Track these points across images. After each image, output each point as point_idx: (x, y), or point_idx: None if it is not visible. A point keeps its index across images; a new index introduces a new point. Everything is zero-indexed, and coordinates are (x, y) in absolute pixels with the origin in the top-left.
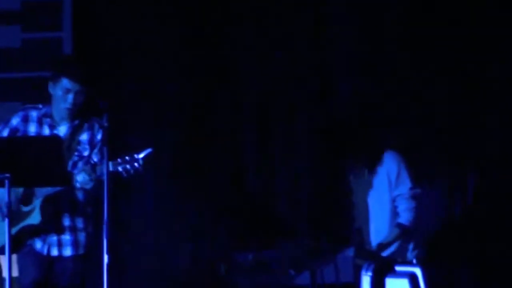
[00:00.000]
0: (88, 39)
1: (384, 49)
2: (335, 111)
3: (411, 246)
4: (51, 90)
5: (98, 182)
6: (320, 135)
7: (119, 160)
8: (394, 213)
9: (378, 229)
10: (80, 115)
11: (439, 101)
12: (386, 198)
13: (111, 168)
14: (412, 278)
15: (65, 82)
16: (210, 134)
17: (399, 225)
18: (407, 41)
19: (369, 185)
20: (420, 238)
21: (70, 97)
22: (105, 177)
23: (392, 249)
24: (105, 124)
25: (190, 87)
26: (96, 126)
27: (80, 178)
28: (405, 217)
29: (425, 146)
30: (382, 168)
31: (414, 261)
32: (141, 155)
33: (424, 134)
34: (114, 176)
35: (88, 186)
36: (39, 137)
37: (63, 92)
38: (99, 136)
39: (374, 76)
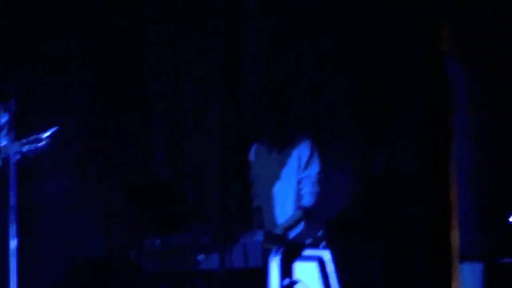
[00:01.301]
0: None
1: (292, 31)
2: (245, 95)
3: (318, 228)
4: None
5: (4, 164)
6: (230, 117)
7: (24, 140)
8: (299, 196)
9: (283, 210)
10: None
11: (347, 81)
12: (292, 180)
13: (17, 149)
14: (321, 262)
15: None
16: (118, 118)
17: (302, 208)
18: (313, 26)
19: (276, 164)
20: (326, 219)
21: None
22: (11, 161)
23: (298, 231)
24: (12, 108)
25: (99, 67)
26: (1, 109)
27: None
28: (307, 200)
29: (332, 124)
30: (294, 151)
31: (323, 244)
32: (46, 134)
33: (331, 113)
34: (21, 157)
35: None
36: None
37: None
38: (3, 120)
39: (283, 61)
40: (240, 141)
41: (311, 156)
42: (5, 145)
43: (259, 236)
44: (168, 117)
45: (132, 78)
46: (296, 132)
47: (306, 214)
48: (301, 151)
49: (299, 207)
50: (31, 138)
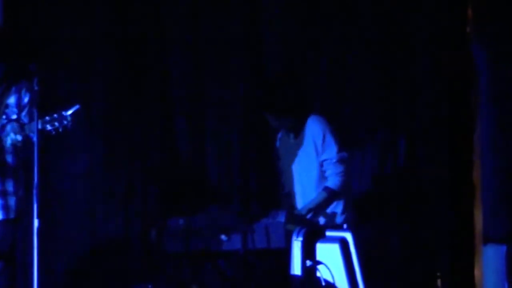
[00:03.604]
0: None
1: (312, 14)
2: (265, 76)
3: (340, 210)
4: None
5: (27, 143)
6: (251, 100)
7: (47, 118)
8: (322, 178)
9: (306, 194)
10: (5, 80)
11: (369, 63)
12: (313, 163)
13: (39, 127)
14: (343, 243)
15: None
16: (140, 98)
17: (326, 189)
18: (333, 8)
19: (295, 150)
20: (350, 201)
21: None
22: (35, 140)
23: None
24: (35, 87)
25: (120, 48)
26: (24, 88)
27: (9, 139)
28: (332, 181)
29: (355, 108)
30: (307, 133)
31: (345, 226)
32: (69, 112)
33: (354, 95)
34: (43, 135)
35: (18, 144)
36: None
37: None
38: (26, 99)
39: (302, 39)
40: (261, 123)
41: (324, 137)
42: (27, 124)
43: (281, 217)
44: (190, 98)
45: (154, 59)
46: (306, 115)
47: (332, 194)
48: (314, 132)
49: (324, 188)
50: (54, 116)
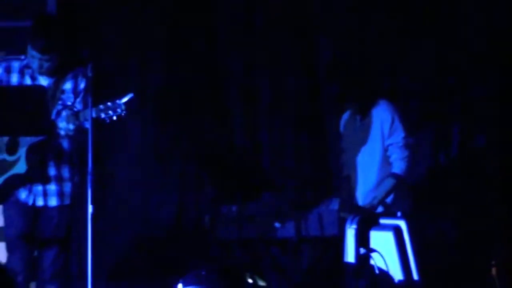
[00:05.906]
0: None
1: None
2: (320, 63)
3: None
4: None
5: (81, 130)
6: (307, 84)
7: (101, 106)
8: (385, 163)
9: (367, 178)
10: (62, 67)
11: (423, 52)
12: (377, 147)
13: (93, 115)
14: (397, 231)
15: (30, 49)
16: (194, 87)
17: (394, 175)
18: None
19: (360, 132)
20: (406, 190)
21: (36, 63)
22: (89, 126)
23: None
24: (89, 74)
25: (173, 36)
26: (80, 75)
27: (63, 126)
28: (398, 166)
29: (410, 96)
30: (375, 116)
31: (399, 214)
32: (123, 100)
33: (409, 84)
34: (97, 123)
35: (70, 132)
36: (23, 86)
37: (31, 56)
38: (82, 85)
39: (361, 28)
40: (314, 110)
41: (392, 121)
42: (82, 111)
43: (335, 204)
44: (244, 86)
45: (207, 47)
46: (375, 98)
47: (399, 180)
48: (383, 118)
49: (391, 175)
50: (108, 104)
